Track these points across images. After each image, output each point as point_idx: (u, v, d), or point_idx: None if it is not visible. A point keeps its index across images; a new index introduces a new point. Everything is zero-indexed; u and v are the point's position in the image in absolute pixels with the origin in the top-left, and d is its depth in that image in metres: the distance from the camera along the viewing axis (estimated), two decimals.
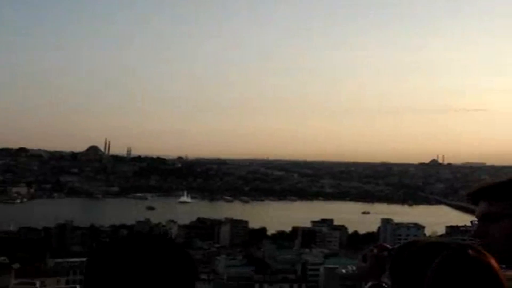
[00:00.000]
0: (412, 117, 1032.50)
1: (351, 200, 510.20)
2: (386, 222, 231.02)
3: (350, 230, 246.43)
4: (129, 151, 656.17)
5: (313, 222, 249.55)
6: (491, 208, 3.52)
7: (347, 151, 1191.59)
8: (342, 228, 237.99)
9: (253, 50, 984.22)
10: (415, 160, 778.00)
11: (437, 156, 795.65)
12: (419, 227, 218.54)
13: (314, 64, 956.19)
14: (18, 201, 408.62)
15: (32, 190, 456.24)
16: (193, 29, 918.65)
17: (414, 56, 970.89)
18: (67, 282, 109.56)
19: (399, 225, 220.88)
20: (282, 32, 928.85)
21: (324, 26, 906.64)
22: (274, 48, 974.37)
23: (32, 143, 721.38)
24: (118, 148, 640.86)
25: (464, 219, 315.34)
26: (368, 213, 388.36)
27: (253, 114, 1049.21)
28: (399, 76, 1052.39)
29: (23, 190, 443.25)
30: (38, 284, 78.86)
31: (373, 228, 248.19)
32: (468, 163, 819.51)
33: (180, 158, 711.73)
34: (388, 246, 4.63)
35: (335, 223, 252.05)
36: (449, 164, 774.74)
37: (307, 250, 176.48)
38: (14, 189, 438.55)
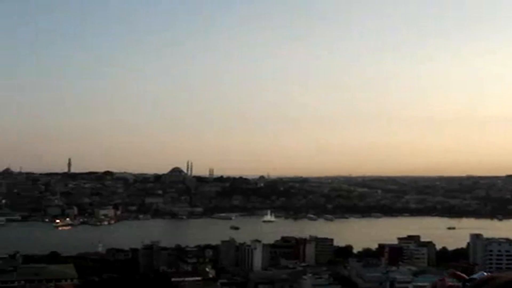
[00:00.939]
0: (498, 127, 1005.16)
1: (437, 215, 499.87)
2: (475, 237, 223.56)
3: (438, 246, 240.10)
4: (211, 171, 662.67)
5: (400, 238, 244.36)
6: None
7: (431, 165, 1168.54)
8: (429, 245, 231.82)
9: (323, 66, 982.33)
10: (502, 172, 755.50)
11: None
12: (511, 242, 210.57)
13: (394, 76, 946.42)
14: (106, 222, 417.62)
15: (118, 212, 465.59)
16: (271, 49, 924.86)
17: (501, 66, 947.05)
18: None
19: (490, 240, 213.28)
20: (362, 47, 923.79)
21: (406, 41, 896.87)
22: (355, 61, 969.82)
23: (117, 167, 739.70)
24: (200, 169, 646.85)
25: None
26: (454, 228, 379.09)
27: (333, 130, 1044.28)
28: (485, 86, 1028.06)
29: (110, 212, 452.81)
30: None
31: (462, 244, 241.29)
32: None
33: (262, 177, 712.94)
34: (463, 275, 4.34)
35: (422, 239, 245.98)
36: None
37: (394, 267, 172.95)
38: (102, 211, 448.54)
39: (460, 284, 4.08)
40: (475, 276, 4.27)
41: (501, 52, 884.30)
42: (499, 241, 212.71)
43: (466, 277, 4.12)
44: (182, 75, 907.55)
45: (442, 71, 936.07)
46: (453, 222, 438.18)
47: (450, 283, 4.05)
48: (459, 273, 4.13)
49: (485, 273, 3.90)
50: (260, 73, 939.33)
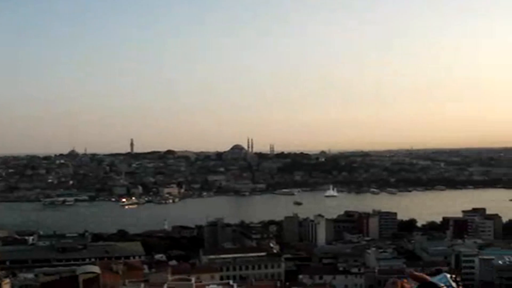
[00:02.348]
0: None
1: (502, 187, 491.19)
2: None
3: (505, 219, 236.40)
4: (272, 147, 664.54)
5: (464, 211, 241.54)
6: None
7: (495, 136, 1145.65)
8: (495, 217, 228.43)
9: (385, 40, 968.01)
10: None
11: None
12: None
13: (453, 46, 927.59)
14: (170, 201, 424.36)
15: (182, 190, 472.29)
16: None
17: None
18: (221, 278, 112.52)
19: None
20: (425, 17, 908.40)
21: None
22: (410, 33, 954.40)
23: (179, 145, 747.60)
24: (261, 146, 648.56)
25: None
26: None
27: (392, 102, 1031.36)
28: None
29: (174, 190, 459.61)
30: (193, 280, 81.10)
31: None
32: None
33: (323, 152, 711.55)
34: (425, 277, 4.18)
35: (488, 212, 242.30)
36: None
37: (459, 241, 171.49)
38: (166, 190, 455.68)
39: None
40: (435, 280, 3.92)
41: None
42: None
43: (428, 279, 3.66)
44: (239, 56, 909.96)
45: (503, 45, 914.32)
46: None
47: (407, 286, 3.68)
48: (419, 274, 3.70)
49: (447, 276, 3.42)
50: (322, 49, 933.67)
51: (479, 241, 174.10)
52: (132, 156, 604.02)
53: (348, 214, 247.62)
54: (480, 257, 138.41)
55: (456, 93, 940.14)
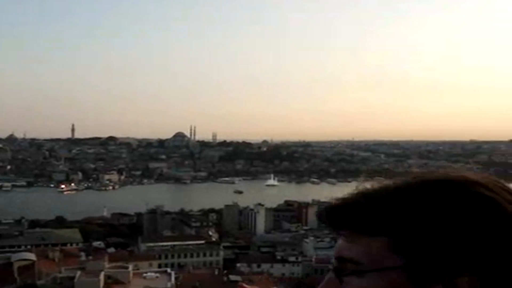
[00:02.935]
0: (501, 92, 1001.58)
1: None
2: None
3: None
4: (214, 136, 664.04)
5: None
6: (352, 249, 1.89)
7: (434, 130, 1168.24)
8: None
9: (342, 33, 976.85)
10: (505, 137, 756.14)
11: None
12: None
13: (395, 42, 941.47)
14: (110, 187, 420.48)
15: (122, 177, 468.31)
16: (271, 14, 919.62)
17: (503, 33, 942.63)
18: (159, 266, 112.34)
19: None
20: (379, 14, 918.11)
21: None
22: (368, 27, 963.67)
23: (121, 132, 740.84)
24: (203, 134, 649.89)
25: None
26: None
27: (337, 94, 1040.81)
28: (490, 53, 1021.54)
29: (114, 177, 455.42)
30: (131, 267, 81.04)
31: None
32: None
33: (265, 141, 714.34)
34: None
35: None
36: None
37: None
38: (106, 176, 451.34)
39: None
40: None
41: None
42: None
43: None
44: (185, 44, 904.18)
45: (455, 37, 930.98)
46: None
47: None
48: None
49: None
50: (257, 38, 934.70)
51: None
52: (72, 141, 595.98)
53: (287, 203, 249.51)
54: None
55: (398, 86, 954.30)
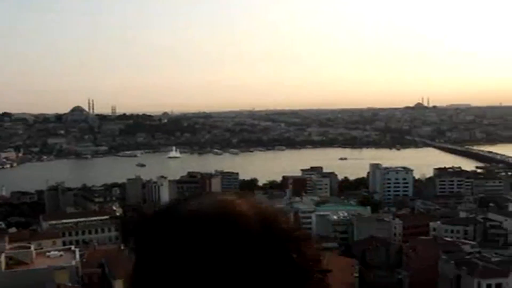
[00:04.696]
0: (396, 61, 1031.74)
1: (338, 146, 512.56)
2: (374, 166, 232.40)
3: (340, 177, 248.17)
4: (113, 109, 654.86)
5: (303, 170, 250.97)
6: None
7: (333, 98, 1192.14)
8: (331, 175, 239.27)
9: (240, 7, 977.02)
10: (400, 104, 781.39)
11: (422, 99, 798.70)
12: (407, 171, 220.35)
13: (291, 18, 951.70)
14: (8, 166, 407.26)
15: (20, 154, 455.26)
16: None
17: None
18: (63, 243, 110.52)
19: (388, 170, 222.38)
20: None
21: None
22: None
23: (15, 107, 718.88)
24: (102, 107, 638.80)
25: (452, 161, 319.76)
26: (346, 159, 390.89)
27: (236, 65, 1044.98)
28: (388, 22, 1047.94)
29: (11, 155, 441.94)
30: (33, 247, 79.43)
31: (363, 173, 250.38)
32: (453, 104, 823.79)
33: (165, 113, 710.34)
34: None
35: (325, 170, 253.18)
36: (435, 107, 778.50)
37: (298, 198, 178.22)
38: (3, 154, 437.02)
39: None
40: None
41: None
42: (396, 170, 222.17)
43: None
44: (81, 19, 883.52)
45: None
46: (355, 152, 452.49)
47: None
48: None
49: None
50: (157, 10, 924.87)
51: (316, 198, 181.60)
52: None
53: (190, 175, 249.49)
54: (316, 213, 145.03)
55: (295, 57, 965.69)
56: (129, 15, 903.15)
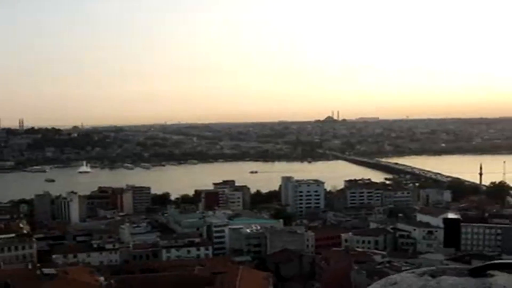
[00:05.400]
0: (305, 75, 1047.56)
1: (250, 160, 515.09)
2: (286, 180, 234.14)
3: (252, 190, 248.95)
4: (21, 123, 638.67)
5: (215, 184, 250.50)
6: None
7: (244, 112, 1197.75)
8: (244, 188, 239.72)
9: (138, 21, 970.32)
10: (311, 118, 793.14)
11: (332, 113, 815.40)
12: (319, 183, 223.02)
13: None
14: None
15: None
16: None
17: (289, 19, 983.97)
18: None
19: (300, 182, 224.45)
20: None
21: None
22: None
23: None
24: (9, 121, 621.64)
25: (362, 173, 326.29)
26: (256, 172, 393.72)
27: (148, 77, 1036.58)
28: (300, 35, 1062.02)
29: None
30: None
31: (275, 186, 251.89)
32: (362, 118, 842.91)
33: (75, 127, 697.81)
34: None
35: (237, 183, 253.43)
36: (344, 120, 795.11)
37: (210, 212, 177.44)
38: None
39: None
40: None
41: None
42: (308, 183, 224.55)
43: None
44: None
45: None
46: (267, 166, 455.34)
47: None
48: None
49: None
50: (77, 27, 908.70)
51: (228, 211, 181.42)
52: None
53: (101, 190, 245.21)
54: (229, 227, 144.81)
55: (206, 69, 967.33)
56: (42, 23, 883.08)
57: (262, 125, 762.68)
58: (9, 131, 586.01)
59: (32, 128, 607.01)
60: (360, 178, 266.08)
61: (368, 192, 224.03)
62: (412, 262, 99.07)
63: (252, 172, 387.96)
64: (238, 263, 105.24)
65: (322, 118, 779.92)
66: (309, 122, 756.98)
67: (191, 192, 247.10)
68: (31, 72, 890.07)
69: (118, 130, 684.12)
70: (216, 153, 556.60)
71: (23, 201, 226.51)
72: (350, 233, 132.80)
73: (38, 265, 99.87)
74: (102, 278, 79.61)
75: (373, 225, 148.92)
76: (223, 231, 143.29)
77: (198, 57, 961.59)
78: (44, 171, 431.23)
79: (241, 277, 79.05)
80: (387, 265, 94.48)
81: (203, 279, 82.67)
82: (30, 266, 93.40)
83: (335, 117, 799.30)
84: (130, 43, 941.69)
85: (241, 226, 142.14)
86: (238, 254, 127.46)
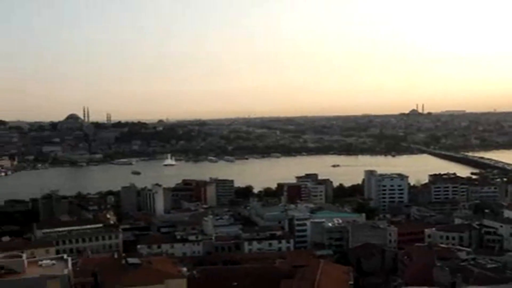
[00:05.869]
0: (391, 67, 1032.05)
1: (334, 153, 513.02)
2: (370, 173, 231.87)
3: (335, 184, 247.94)
4: (109, 117, 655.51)
5: (298, 177, 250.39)
6: None
7: (328, 105, 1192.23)
8: (326, 182, 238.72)
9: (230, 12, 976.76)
10: (395, 111, 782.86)
11: (417, 106, 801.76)
12: (403, 177, 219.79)
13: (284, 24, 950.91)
14: (3, 174, 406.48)
15: (15, 163, 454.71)
16: None
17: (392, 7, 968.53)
18: (57, 252, 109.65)
19: (383, 176, 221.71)
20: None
21: None
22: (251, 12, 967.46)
23: (10, 115, 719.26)
24: (97, 115, 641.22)
25: (447, 167, 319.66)
26: (338, 165, 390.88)
27: (231, 73, 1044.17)
28: (378, 26, 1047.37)
29: (6, 163, 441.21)
30: (24, 256, 78.49)
31: (358, 180, 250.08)
32: (448, 111, 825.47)
33: (160, 121, 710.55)
34: None
35: (320, 177, 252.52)
36: (429, 113, 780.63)
37: (292, 206, 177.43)
38: None
39: None
40: None
41: None
42: (391, 176, 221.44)
43: None
44: (74, 26, 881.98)
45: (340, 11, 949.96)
46: (349, 159, 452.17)
47: None
48: None
49: None
50: (158, 23, 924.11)
51: (311, 205, 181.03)
52: None
53: (185, 182, 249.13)
54: (311, 220, 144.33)
55: (291, 64, 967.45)
56: (123, 22, 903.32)
57: (346, 119, 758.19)
58: (97, 125, 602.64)
59: (119, 122, 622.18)
60: (445, 172, 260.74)
61: (453, 187, 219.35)
62: (498, 260, 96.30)
63: (334, 166, 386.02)
64: (319, 256, 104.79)
65: (406, 111, 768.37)
66: (393, 115, 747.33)
67: (273, 185, 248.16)
68: (118, 68, 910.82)
69: (202, 123, 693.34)
70: (299, 147, 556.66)
71: (110, 192, 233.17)
72: (433, 229, 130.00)
73: (123, 254, 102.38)
74: (185, 269, 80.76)
75: (457, 221, 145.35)
76: (305, 224, 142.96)
77: (281, 53, 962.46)
78: (131, 164, 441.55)
79: (321, 271, 78.62)
80: (472, 262, 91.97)
81: (283, 272, 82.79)
82: (116, 256, 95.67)
83: (420, 110, 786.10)
84: (213, 39, 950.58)
85: (323, 220, 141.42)
86: (320, 247, 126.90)
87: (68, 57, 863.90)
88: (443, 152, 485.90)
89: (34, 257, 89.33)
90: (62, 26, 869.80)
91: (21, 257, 77.36)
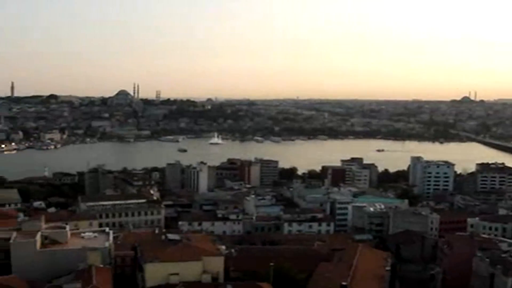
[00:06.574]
0: (442, 52, 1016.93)
1: (381, 138, 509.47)
2: (416, 159, 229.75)
3: (381, 169, 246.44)
4: (158, 94, 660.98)
5: (343, 161, 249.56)
6: None
7: (377, 89, 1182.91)
8: (371, 167, 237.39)
9: None
10: (446, 97, 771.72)
11: (469, 93, 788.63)
12: (449, 165, 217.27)
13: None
14: (52, 147, 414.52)
15: (65, 136, 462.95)
16: None
17: None
18: (100, 225, 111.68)
19: (429, 163, 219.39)
20: None
21: None
22: None
23: (62, 90, 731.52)
24: (147, 92, 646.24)
25: (496, 157, 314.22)
26: (383, 150, 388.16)
27: (281, 53, 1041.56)
28: (424, 8, 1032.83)
29: (56, 136, 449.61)
30: (68, 227, 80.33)
31: (404, 166, 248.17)
32: (501, 99, 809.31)
33: (209, 99, 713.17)
34: None
35: (365, 161, 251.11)
36: (482, 101, 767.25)
37: (335, 189, 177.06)
38: (47, 135, 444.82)
39: None
40: None
41: None
42: (437, 164, 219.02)
43: None
44: (128, 4, 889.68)
45: None
46: (395, 144, 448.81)
47: None
48: None
49: None
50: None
51: (354, 189, 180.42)
52: (12, 100, 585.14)
53: (230, 161, 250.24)
54: (353, 204, 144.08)
55: (340, 47, 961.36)
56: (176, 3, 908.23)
57: (395, 103, 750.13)
58: (146, 102, 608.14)
59: (168, 99, 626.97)
60: (493, 162, 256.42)
61: (501, 177, 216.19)
62: None
63: (378, 150, 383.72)
64: (358, 241, 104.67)
65: (458, 98, 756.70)
66: (444, 102, 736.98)
67: (318, 168, 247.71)
68: (168, 45, 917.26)
69: (250, 103, 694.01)
70: (346, 130, 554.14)
71: (155, 169, 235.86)
72: (477, 218, 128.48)
73: (164, 230, 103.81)
74: (223, 247, 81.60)
75: (502, 212, 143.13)
76: (346, 208, 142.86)
77: (330, 35, 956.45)
78: (177, 141, 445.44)
79: (359, 255, 78.73)
80: None
81: (321, 255, 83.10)
82: (157, 231, 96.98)
83: (472, 98, 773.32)
84: (268, 18, 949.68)
85: (364, 205, 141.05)
86: (360, 232, 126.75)
87: (118, 34, 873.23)
88: (493, 141, 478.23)
89: (78, 229, 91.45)
90: (112, 5, 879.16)
91: (65, 228, 79.34)
